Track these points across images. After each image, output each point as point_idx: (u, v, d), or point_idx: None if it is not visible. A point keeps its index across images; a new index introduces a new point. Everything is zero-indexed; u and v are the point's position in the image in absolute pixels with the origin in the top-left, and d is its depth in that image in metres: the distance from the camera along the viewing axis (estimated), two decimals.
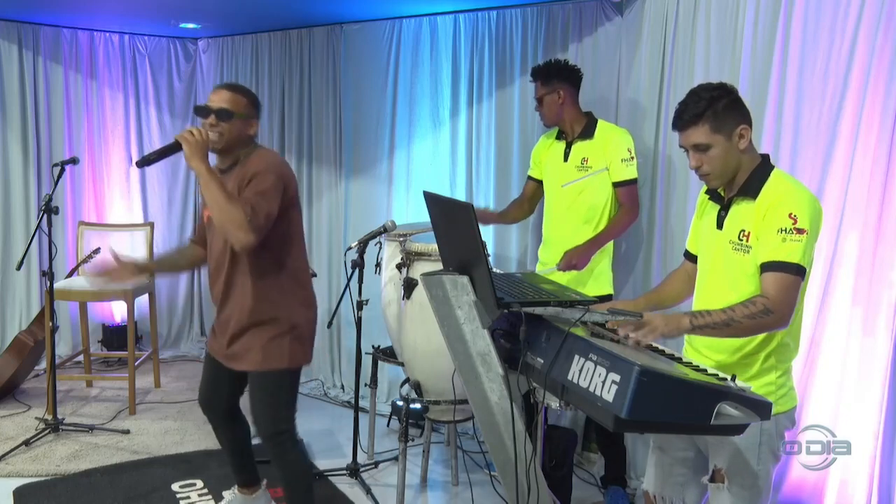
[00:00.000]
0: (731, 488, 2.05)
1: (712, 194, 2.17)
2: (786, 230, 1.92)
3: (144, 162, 2.53)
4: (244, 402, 2.87)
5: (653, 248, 3.35)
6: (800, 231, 1.91)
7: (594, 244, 3.12)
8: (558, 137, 3.29)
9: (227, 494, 3.09)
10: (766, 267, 1.95)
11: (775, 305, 1.90)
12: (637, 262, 3.45)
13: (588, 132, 3.17)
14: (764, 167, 2.05)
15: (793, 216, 1.92)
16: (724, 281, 2.08)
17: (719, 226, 2.11)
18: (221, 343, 2.67)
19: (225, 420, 2.84)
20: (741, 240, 2.03)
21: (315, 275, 3.35)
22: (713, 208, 2.16)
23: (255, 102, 2.63)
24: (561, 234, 3.22)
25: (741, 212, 2.05)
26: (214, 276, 2.66)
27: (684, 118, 2.02)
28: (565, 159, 3.22)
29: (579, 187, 3.17)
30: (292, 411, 2.66)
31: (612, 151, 3.11)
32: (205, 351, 2.85)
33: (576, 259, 3.07)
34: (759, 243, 1.99)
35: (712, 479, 2.09)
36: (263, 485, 3.02)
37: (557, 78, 3.16)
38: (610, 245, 3.22)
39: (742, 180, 2.05)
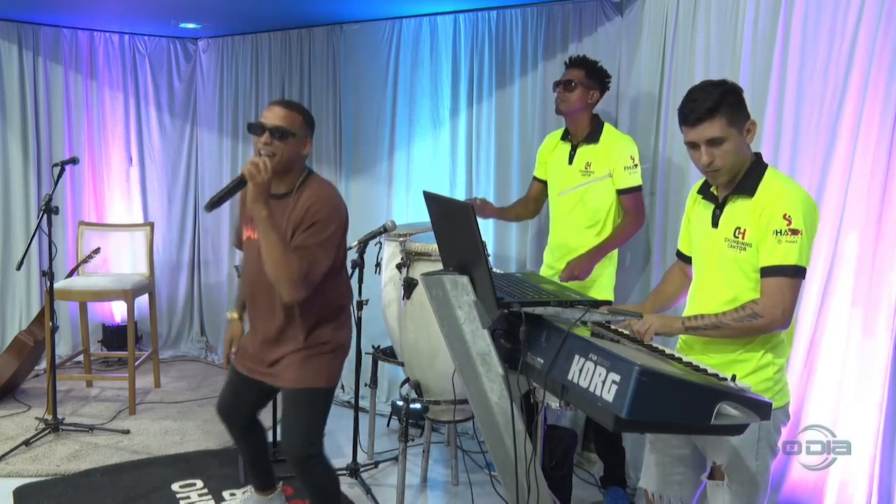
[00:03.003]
0: (730, 485, 2.06)
1: (705, 193, 2.18)
2: (781, 232, 1.94)
3: (212, 205, 2.35)
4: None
5: (653, 249, 3.35)
6: (794, 232, 1.93)
7: (597, 253, 3.10)
8: (563, 138, 3.27)
9: (239, 494, 3.09)
10: (763, 272, 1.99)
11: (764, 310, 1.96)
12: (641, 266, 3.45)
13: (594, 136, 3.15)
14: (758, 165, 2.07)
15: (787, 217, 1.94)
16: (720, 278, 2.09)
17: (714, 224, 2.12)
18: (260, 361, 2.62)
19: (243, 430, 2.80)
20: (737, 237, 2.04)
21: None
22: (706, 207, 2.17)
23: (310, 121, 2.54)
24: (563, 239, 3.22)
25: (737, 209, 2.06)
26: (260, 298, 2.57)
27: (699, 111, 1.99)
28: (570, 162, 3.20)
29: (580, 193, 3.16)
30: (322, 434, 2.62)
31: (615, 158, 3.10)
32: (231, 365, 2.78)
33: (578, 270, 3.05)
34: (757, 244, 2.00)
35: (711, 477, 2.10)
36: (279, 486, 3.02)
37: (599, 80, 3.15)
38: (615, 254, 3.21)
39: (738, 178, 2.06)
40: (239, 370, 2.70)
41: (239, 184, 2.36)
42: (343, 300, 2.64)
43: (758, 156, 2.09)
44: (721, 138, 1.99)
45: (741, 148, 2.03)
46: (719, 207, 2.11)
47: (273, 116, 2.43)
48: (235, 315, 2.77)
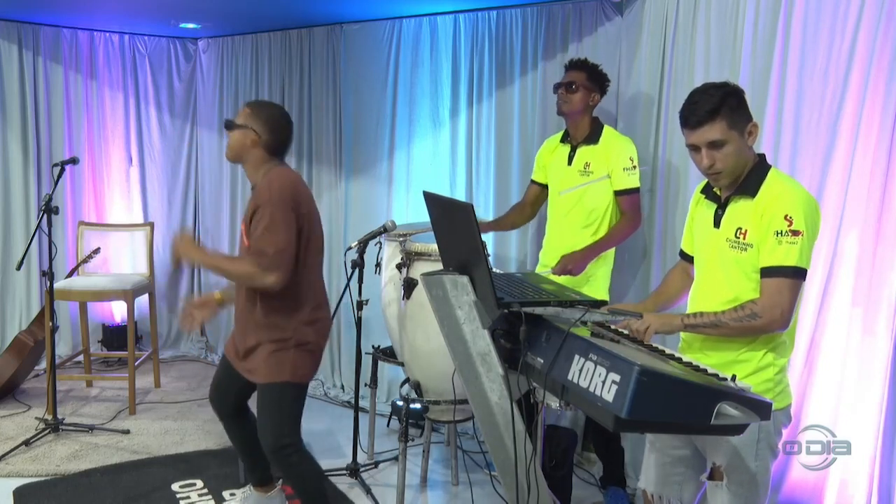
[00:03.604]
0: (730, 486, 2.05)
1: (708, 193, 2.18)
2: (782, 233, 1.94)
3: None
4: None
5: (652, 249, 3.35)
6: (795, 233, 1.93)
7: (592, 251, 3.11)
8: (563, 140, 3.28)
9: (238, 492, 3.12)
10: (763, 272, 1.99)
11: (763, 310, 1.95)
12: (637, 265, 3.45)
13: (593, 137, 3.16)
14: (761, 166, 2.06)
15: (788, 218, 1.94)
16: (721, 279, 2.09)
17: (716, 224, 2.12)
18: (237, 354, 2.73)
19: (232, 416, 2.87)
20: (738, 237, 2.04)
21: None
22: (709, 207, 2.16)
23: (261, 115, 2.64)
24: (560, 239, 3.22)
25: (739, 210, 2.06)
26: (236, 293, 2.74)
27: (699, 114, 1.98)
28: (569, 163, 3.21)
29: (579, 193, 3.16)
30: (296, 426, 2.68)
31: (614, 159, 3.10)
32: (223, 353, 2.89)
33: (571, 265, 3.05)
34: (758, 245, 2.00)
35: (711, 477, 2.09)
36: (279, 484, 3.03)
37: (600, 83, 3.18)
38: (611, 253, 3.21)
39: (741, 179, 2.06)
40: (228, 357, 2.80)
41: (175, 262, 2.71)
42: (307, 294, 2.64)
43: (761, 156, 2.08)
44: (721, 141, 1.99)
45: (742, 150, 2.02)
46: (721, 207, 2.11)
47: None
48: (218, 296, 2.79)
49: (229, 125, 2.66)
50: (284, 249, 2.50)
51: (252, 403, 2.88)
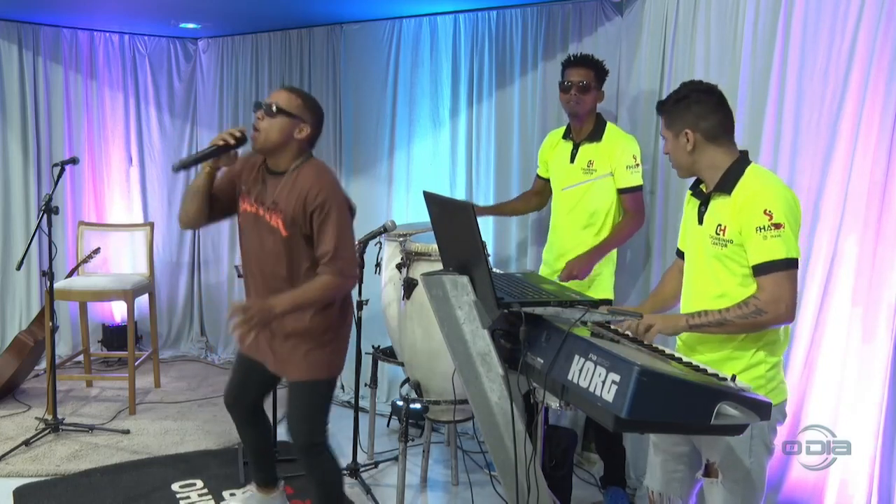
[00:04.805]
0: (724, 483, 2.06)
1: (695, 190, 2.22)
2: (764, 228, 1.96)
3: (181, 166, 2.54)
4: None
5: (653, 249, 3.35)
6: (777, 226, 1.95)
7: (596, 253, 3.10)
8: (565, 137, 3.27)
9: (238, 492, 3.12)
10: (756, 270, 2.00)
11: (767, 305, 1.96)
12: (639, 265, 3.45)
13: (597, 135, 3.15)
14: (740, 163, 2.09)
15: (768, 212, 1.96)
16: (708, 275, 2.12)
17: (700, 221, 2.15)
18: (265, 349, 2.64)
19: (248, 418, 2.83)
20: (718, 234, 2.07)
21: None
22: (695, 205, 2.20)
23: (312, 107, 2.53)
24: (563, 239, 3.22)
25: (718, 207, 2.09)
26: (258, 278, 2.60)
27: (658, 106, 2.19)
28: (571, 160, 3.20)
29: (581, 191, 3.16)
30: (326, 423, 2.66)
31: (617, 157, 3.10)
32: (237, 353, 2.82)
33: (577, 270, 3.05)
34: (741, 243, 2.01)
35: (706, 474, 2.10)
36: (281, 486, 3.03)
37: (603, 80, 3.18)
38: (613, 253, 3.21)
39: (717, 177, 2.09)
40: (245, 353, 2.73)
41: (213, 151, 2.50)
42: None
43: (742, 154, 2.12)
44: (664, 135, 2.15)
45: (677, 150, 2.12)
46: (704, 204, 2.14)
47: (272, 96, 2.51)
48: None
49: (272, 110, 2.44)
50: (352, 251, 2.53)
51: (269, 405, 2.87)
